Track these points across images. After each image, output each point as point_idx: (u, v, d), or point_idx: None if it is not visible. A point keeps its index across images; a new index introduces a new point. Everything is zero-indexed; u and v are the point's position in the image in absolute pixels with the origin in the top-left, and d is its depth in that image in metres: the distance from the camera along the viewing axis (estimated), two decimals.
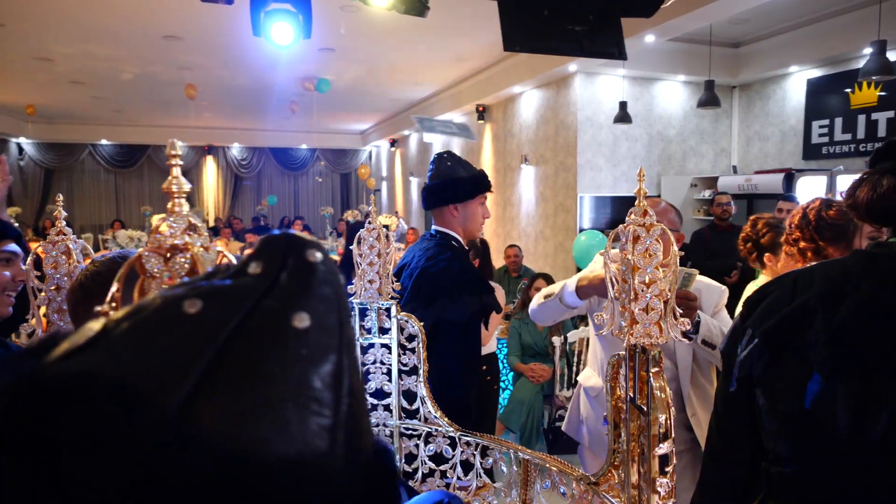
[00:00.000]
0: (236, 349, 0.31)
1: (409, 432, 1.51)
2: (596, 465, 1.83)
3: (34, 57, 6.82)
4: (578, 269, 4.64)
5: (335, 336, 0.34)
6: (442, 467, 1.46)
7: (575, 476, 1.13)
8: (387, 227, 1.52)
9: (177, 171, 0.69)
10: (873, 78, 4.44)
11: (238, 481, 0.29)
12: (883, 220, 0.99)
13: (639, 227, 0.92)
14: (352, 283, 1.50)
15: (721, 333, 1.68)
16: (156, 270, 0.64)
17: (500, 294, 3.15)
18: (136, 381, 0.29)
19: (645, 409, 0.91)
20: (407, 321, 1.49)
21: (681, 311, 0.94)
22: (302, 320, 0.33)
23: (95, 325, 0.33)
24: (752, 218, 2.45)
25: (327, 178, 15.81)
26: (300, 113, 9.64)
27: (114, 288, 0.62)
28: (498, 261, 6.37)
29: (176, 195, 0.69)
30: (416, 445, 1.49)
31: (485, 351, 2.84)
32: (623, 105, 5.98)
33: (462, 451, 1.43)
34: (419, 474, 1.48)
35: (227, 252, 0.71)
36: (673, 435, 0.90)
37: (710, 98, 5.63)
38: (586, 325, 3.94)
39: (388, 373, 1.51)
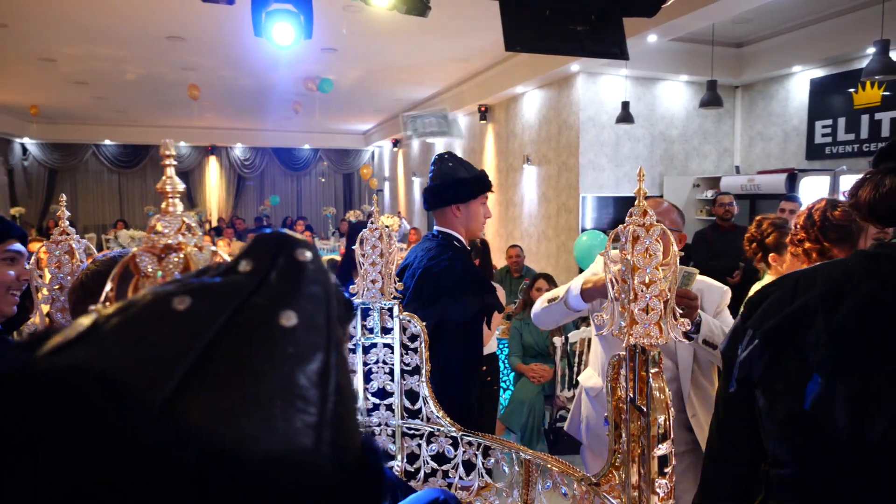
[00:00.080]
0: (224, 346, 0.32)
1: (412, 432, 1.51)
2: (597, 466, 1.83)
3: (37, 57, 6.84)
4: (580, 270, 4.64)
5: (323, 334, 0.34)
6: (444, 467, 1.47)
7: (576, 477, 1.14)
8: (388, 227, 1.52)
9: (171, 172, 0.69)
10: (876, 78, 4.43)
11: (223, 477, 0.29)
12: (885, 220, 0.98)
13: (638, 228, 0.92)
14: (353, 284, 1.50)
15: (723, 333, 1.68)
16: (150, 270, 0.64)
17: (500, 294, 3.15)
18: (123, 376, 0.30)
19: (645, 409, 0.91)
20: (409, 321, 1.49)
21: (681, 311, 0.94)
22: (289, 318, 0.33)
23: (86, 321, 0.33)
24: (757, 218, 2.45)
25: (330, 179, 15.83)
26: (303, 113, 9.65)
27: (108, 287, 0.63)
28: (500, 261, 6.37)
29: (170, 195, 0.69)
30: (419, 445, 1.50)
31: (485, 351, 2.84)
32: (625, 105, 5.98)
33: (464, 451, 1.43)
34: (421, 474, 1.48)
35: (225, 252, 0.72)
36: (672, 436, 0.90)
37: (712, 98, 5.62)
38: (587, 325, 3.94)
39: (391, 372, 1.51)
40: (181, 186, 0.70)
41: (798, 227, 1.81)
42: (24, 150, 13.06)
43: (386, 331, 1.51)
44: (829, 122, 6.01)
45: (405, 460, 1.51)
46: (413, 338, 1.49)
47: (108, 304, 0.60)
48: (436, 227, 2.12)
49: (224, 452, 0.29)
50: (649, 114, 6.75)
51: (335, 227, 11.69)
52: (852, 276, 0.95)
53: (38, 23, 5.59)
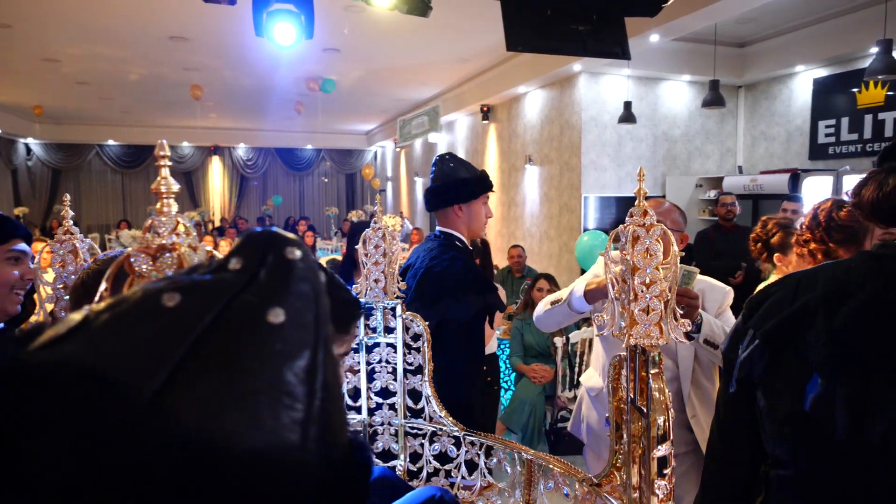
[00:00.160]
0: (212, 342, 0.32)
1: (415, 431, 1.52)
2: (598, 467, 1.83)
3: (41, 58, 6.86)
4: (582, 270, 4.64)
5: (311, 332, 0.34)
6: (447, 466, 1.47)
7: (578, 477, 1.14)
8: (390, 227, 1.53)
9: (165, 172, 0.70)
10: (879, 77, 4.41)
11: (210, 470, 0.30)
12: (888, 220, 0.98)
13: (638, 228, 0.92)
14: (353, 284, 1.50)
15: (724, 333, 1.67)
16: (144, 270, 0.64)
17: (501, 294, 3.15)
18: (112, 371, 0.30)
19: (645, 410, 0.91)
20: (412, 320, 1.49)
21: (681, 312, 0.94)
22: (277, 316, 0.33)
23: (77, 317, 0.34)
24: (763, 218, 2.44)
25: (332, 179, 15.85)
26: (305, 113, 9.66)
27: (102, 287, 0.63)
28: (502, 261, 6.37)
29: (164, 195, 0.69)
30: (421, 445, 1.50)
31: (486, 351, 2.84)
32: (628, 105, 5.97)
33: (466, 451, 1.44)
34: (424, 473, 1.49)
35: (219, 252, 0.72)
36: (672, 437, 0.90)
37: (715, 98, 5.61)
38: (589, 325, 3.93)
39: (394, 372, 1.51)
40: (176, 187, 0.71)
41: (804, 227, 1.80)
42: (28, 150, 13.11)
43: (389, 330, 1.51)
44: (833, 121, 5.99)
45: (408, 460, 1.52)
46: (416, 337, 1.50)
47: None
48: (438, 228, 2.13)
49: (211, 446, 0.30)
50: (652, 114, 6.75)
51: (337, 227, 11.70)
52: (855, 277, 0.95)
53: (40, 23, 5.61)
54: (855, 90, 5.75)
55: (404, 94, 9.43)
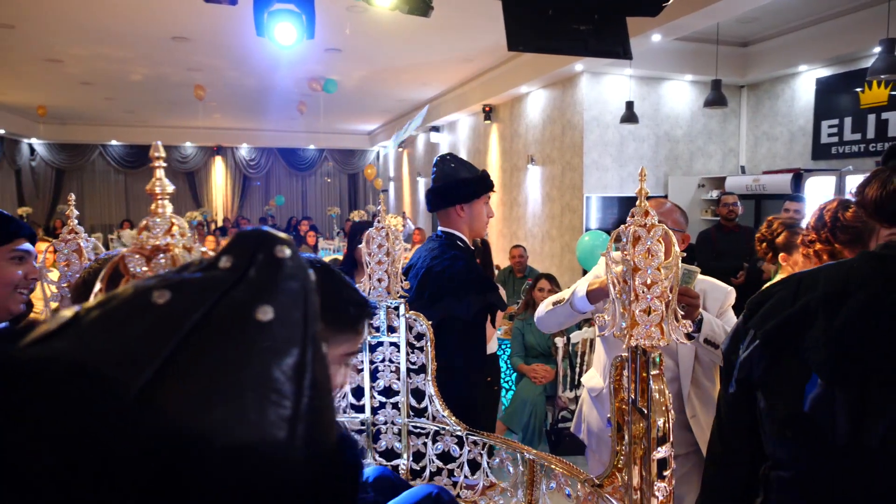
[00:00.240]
0: (201, 338, 0.32)
1: (418, 430, 1.52)
2: (599, 467, 1.83)
3: (44, 58, 6.88)
4: (584, 271, 4.64)
5: (299, 330, 0.35)
6: (449, 466, 1.47)
7: (580, 478, 1.14)
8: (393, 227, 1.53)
9: (160, 173, 0.70)
10: (882, 77, 4.40)
11: (195, 465, 0.30)
12: (891, 219, 0.97)
13: (639, 228, 0.92)
14: (354, 283, 1.51)
15: (725, 333, 1.67)
16: (138, 271, 0.65)
17: (501, 295, 3.15)
18: (101, 367, 0.31)
19: (646, 411, 0.91)
20: (415, 320, 1.50)
21: (682, 312, 0.94)
22: (265, 313, 0.34)
23: (68, 313, 0.34)
24: (768, 218, 2.43)
25: (335, 179, 15.86)
26: (308, 113, 9.67)
27: (97, 287, 0.64)
28: (503, 261, 6.37)
29: (159, 196, 0.70)
30: (424, 444, 1.50)
31: (487, 351, 2.84)
32: (630, 105, 5.97)
33: (469, 451, 1.44)
34: (427, 472, 1.49)
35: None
36: (672, 438, 0.90)
37: (717, 98, 5.60)
38: (590, 325, 3.93)
39: (397, 371, 1.52)
40: (170, 188, 0.71)
41: (809, 227, 1.79)
42: (32, 150, 13.14)
43: (392, 329, 1.51)
44: (836, 121, 5.98)
45: (411, 458, 1.52)
46: (419, 336, 1.50)
47: None
48: (440, 228, 2.13)
49: (198, 441, 0.30)
50: (654, 113, 6.74)
51: (340, 227, 11.71)
52: (856, 277, 0.94)
53: (43, 24, 5.62)
54: (858, 90, 5.74)
55: (406, 95, 9.43)
